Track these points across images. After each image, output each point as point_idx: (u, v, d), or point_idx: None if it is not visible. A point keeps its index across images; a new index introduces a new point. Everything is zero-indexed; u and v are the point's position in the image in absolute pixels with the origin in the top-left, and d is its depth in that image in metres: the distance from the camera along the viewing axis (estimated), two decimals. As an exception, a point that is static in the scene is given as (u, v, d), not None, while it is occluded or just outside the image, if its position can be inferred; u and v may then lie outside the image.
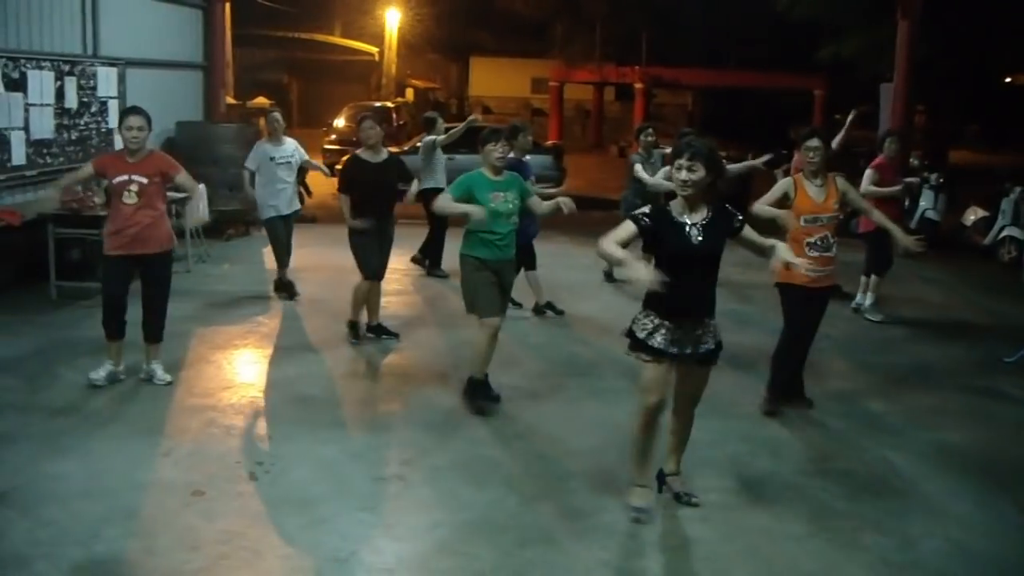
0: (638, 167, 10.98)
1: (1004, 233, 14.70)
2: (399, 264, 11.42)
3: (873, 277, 10.62)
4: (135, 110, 7.33)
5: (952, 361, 9.11)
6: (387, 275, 8.93)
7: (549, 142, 25.31)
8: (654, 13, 33.32)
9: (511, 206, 7.11)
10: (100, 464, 6.02)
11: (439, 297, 10.93)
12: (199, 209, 7.78)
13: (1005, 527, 5.69)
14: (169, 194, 11.48)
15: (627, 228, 5.24)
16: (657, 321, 5.32)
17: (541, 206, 7.37)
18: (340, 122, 26.99)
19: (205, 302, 10.26)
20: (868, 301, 10.60)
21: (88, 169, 7.49)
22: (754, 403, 7.40)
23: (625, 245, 5.19)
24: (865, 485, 6.15)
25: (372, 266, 8.81)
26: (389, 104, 32.55)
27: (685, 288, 5.19)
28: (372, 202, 8.66)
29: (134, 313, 7.48)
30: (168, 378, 7.54)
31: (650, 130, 11.58)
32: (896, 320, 10.51)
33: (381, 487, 5.87)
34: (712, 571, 5.02)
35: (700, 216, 5.27)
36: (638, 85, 32.82)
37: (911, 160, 16.33)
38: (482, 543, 5.17)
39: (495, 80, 49.15)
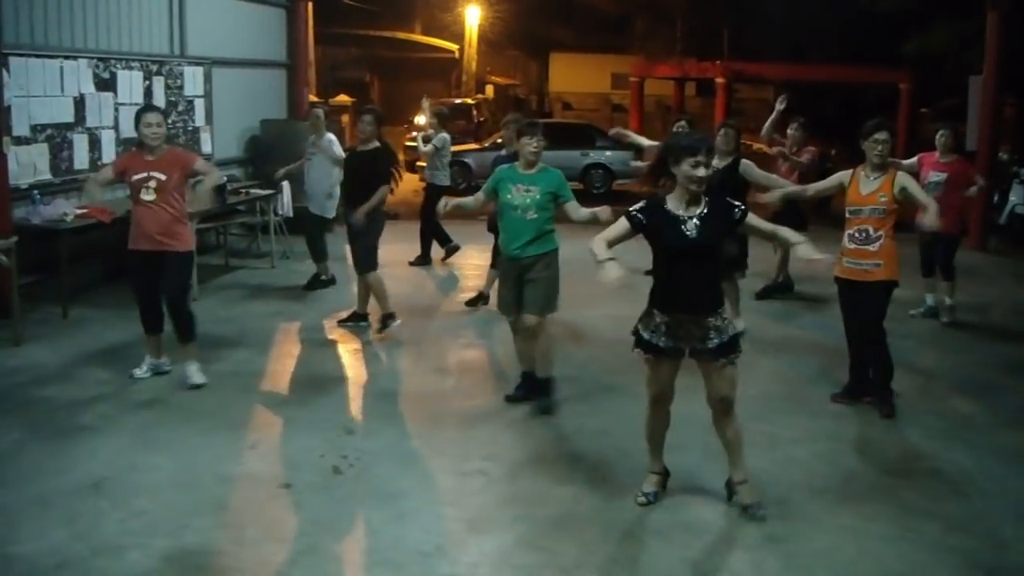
0: None
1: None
2: (481, 260, 11.41)
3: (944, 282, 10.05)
4: (151, 108, 7.44)
5: (1043, 360, 8.87)
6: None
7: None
8: (735, 6, 32.94)
9: (528, 201, 6.82)
10: (189, 456, 6.15)
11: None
12: (208, 197, 7.79)
13: (1101, 530, 5.55)
14: (253, 191, 11.74)
15: (621, 225, 5.26)
16: (656, 317, 5.28)
17: (578, 212, 6.87)
18: (421, 119, 27.13)
19: (288, 297, 10.40)
20: (946, 302, 10.04)
21: (108, 172, 7.60)
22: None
23: (618, 241, 5.22)
24: (953, 486, 6.02)
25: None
26: (469, 101, 32.72)
27: (680, 283, 5.18)
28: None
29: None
30: (199, 380, 7.43)
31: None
32: (985, 319, 10.28)
33: (464, 482, 5.90)
34: (795, 570, 4.96)
35: (697, 209, 5.17)
36: (719, 80, 32.36)
37: (999, 154, 15.96)
38: (564, 539, 5.17)
39: (575, 76, 49.00)
